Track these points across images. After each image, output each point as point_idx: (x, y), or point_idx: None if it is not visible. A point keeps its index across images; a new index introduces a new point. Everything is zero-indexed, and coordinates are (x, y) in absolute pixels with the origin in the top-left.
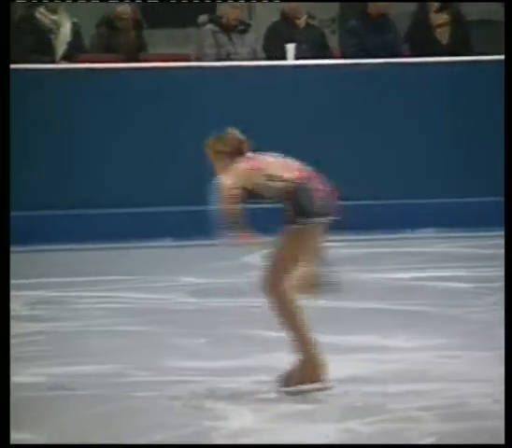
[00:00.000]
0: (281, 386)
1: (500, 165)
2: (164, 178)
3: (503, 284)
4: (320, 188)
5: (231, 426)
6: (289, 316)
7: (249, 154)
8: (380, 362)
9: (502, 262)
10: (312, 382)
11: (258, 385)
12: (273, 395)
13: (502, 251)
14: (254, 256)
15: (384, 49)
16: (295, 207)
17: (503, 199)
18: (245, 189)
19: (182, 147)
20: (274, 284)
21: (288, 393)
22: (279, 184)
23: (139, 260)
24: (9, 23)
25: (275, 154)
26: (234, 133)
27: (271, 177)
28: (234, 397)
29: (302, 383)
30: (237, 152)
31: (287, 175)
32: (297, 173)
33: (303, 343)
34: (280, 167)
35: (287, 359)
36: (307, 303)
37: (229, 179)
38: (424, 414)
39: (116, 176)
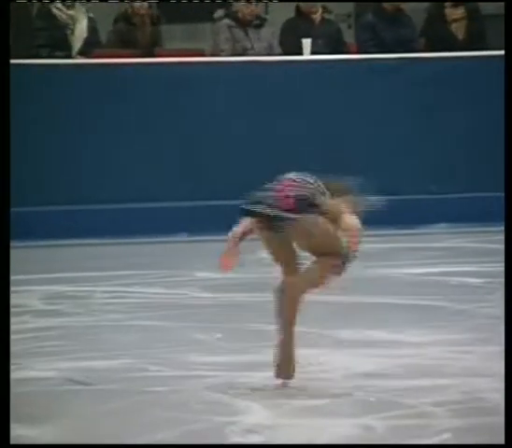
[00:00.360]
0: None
1: None
2: (180, 173)
3: None
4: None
5: (245, 421)
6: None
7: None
8: (393, 357)
9: None
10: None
11: (273, 380)
12: (287, 390)
13: None
14: None
15: (400, 43)
16: None
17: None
18: None
19: (197, 142)
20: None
21: (302, 388)
22: None
23: (154, 255)
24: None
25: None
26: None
27: None
28: (249, 392)
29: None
30: None
31: None
32: None
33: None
34: None
35: (302, 354)
36: (320, 298)
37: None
38: (438, 410)
39: (131, 171)
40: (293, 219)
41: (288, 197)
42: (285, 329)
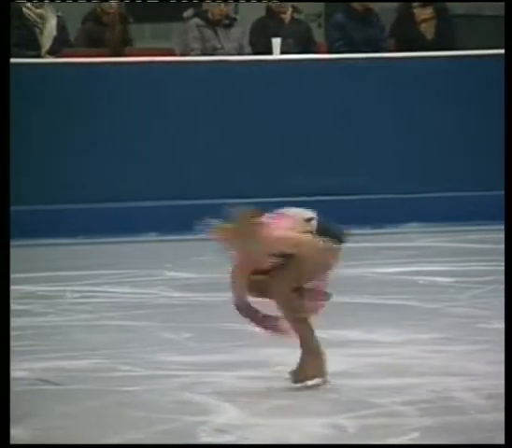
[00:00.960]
0: (292, 382)
1: (483, 159)
2: (149, 173)
3: (485, 278)
4: None
5: (216, 421)
6: None
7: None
8: (364, 356)
9: (483, 257)
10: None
11: (243, 379)
12: (258, 390)
13: (483, 245)
14: None
15: (369, 43)
16: None
17: (486, 193)
18: None
19: (166, 142)
20: None
21: (272, 388)
22: None
23: (124, 255)
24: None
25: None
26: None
27: None
28: (220, 392)
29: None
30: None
31: None
32: None
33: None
34: None
35: (272, 354)
36: None
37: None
38: (409, 409)
39: (100, 171)
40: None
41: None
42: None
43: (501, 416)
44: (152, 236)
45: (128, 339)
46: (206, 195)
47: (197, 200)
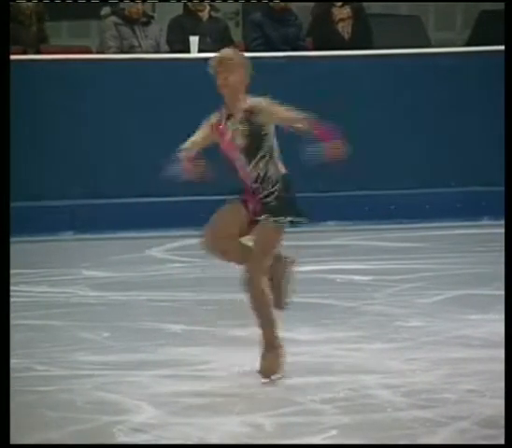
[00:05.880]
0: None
1: (399, 158)
2: (65, 171)
3: (402, 276)
4: None
5: (133, 420)
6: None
7: None
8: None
9: (399, 255)
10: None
11: (161, 378)
12: (175, 389)
13: (399, 244)
14: (158, 249)
15: (287, 42)
16: None
17: (402, 191)
18: None
19: (82, 140)
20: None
21: (190, 387)
22: None
23: (40, 254)
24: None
25: None
26: None
27: None
28: (137, 391)
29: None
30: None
31: None
32: None
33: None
34: None
35: (190, 353)
36: (211, 297)
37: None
38: (327, 407)
39: (16, 169)
40: None
41: None
42: (261, 314)
43: (418, 413)
44: (69, 235)
45: (44, 338)
46: (123, 194)
47: (114, 198)
